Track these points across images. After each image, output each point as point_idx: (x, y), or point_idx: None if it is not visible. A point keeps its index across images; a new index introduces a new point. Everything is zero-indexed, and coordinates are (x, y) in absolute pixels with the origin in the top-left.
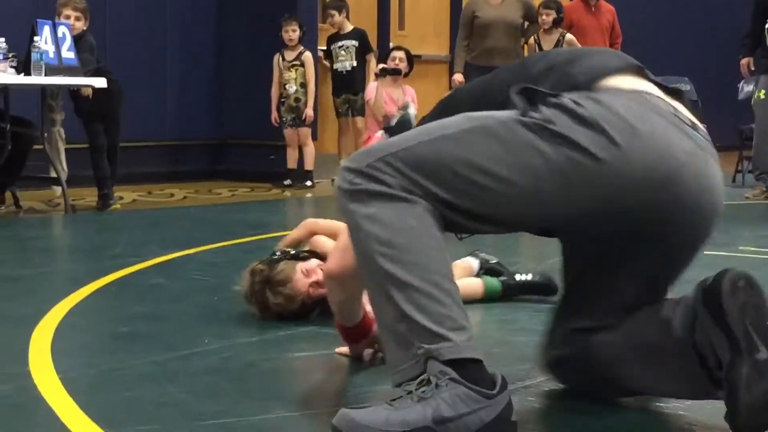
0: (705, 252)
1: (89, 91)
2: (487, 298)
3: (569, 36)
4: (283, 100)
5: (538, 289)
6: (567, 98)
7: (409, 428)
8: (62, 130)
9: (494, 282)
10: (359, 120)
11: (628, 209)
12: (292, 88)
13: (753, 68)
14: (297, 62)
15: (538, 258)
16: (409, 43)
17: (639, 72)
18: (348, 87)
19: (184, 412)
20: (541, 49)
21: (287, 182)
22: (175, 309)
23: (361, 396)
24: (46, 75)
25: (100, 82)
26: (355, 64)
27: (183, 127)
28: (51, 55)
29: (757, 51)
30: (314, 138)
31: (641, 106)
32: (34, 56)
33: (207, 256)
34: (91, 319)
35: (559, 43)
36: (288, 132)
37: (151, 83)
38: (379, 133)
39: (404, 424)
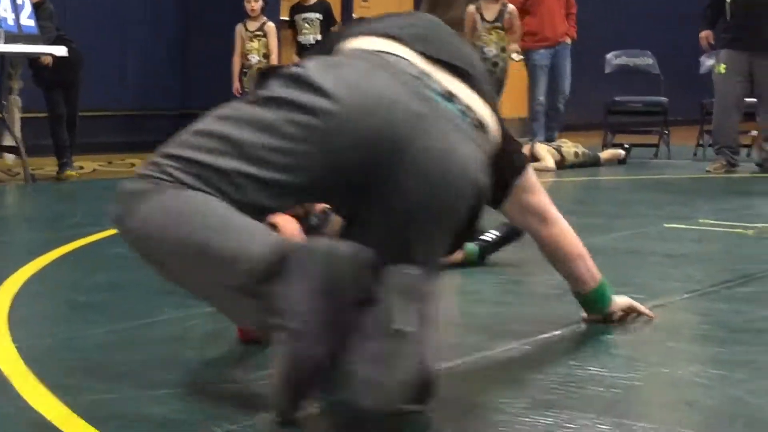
0: (666, 225)
1: (49, 60)
2: (468, 261)
3: (511, 7)
4: (245, 70)
5: (508, 238)
6: (296, 66)
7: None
8: (18, 99)
9: (472, 246)
10: None
11: (355, 165)
12: (254, 58)
13: (713, 42)
14: (260, 33)
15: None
16: (371, 15)
17: (402, 41)
18: None
19: (142, 380)
20: (483, 19)
21: None
22: (135, 278)
23: None
24: (5, 43)
25: (61, 51)
26: (319, 37)
27: (144, 96)
28: (10, 22)
29: (717, 25)
30: None
31: (372, 64)
32: None
33: None
34: (50, 288)
35: (501, 14)
36: None
37: (112, 52)
38: None
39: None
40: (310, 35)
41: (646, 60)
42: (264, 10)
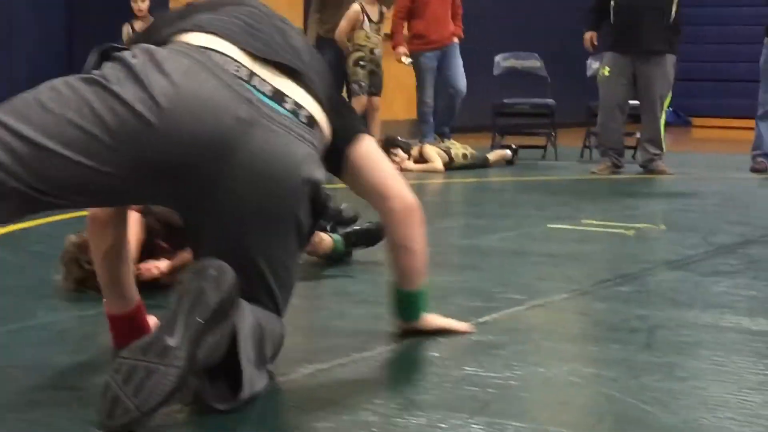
0: (549, 225)
1: None
2: (335, 253)
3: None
4: None
5: (374, 231)
6: (130, 53)
7: None
8: None
9: (337, 237)
10: None
11: (177, 170)
12: None
13: (596, 44)
14: None
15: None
16: None
17: (230, 38)
18: None
19: (15, 385)
20: (370, 20)
21: None
22: (11, 283)
23: None
24: None
25: None
26: None
27: None
28: None
29: (602, 27)
30: None
31: (199, 65)
32: None
33: (47, 229)
34: None
35: (382, 15)
36: None
37: None
38: None
39: None
40: None
41: (533, 62)
42: (150, 10)
